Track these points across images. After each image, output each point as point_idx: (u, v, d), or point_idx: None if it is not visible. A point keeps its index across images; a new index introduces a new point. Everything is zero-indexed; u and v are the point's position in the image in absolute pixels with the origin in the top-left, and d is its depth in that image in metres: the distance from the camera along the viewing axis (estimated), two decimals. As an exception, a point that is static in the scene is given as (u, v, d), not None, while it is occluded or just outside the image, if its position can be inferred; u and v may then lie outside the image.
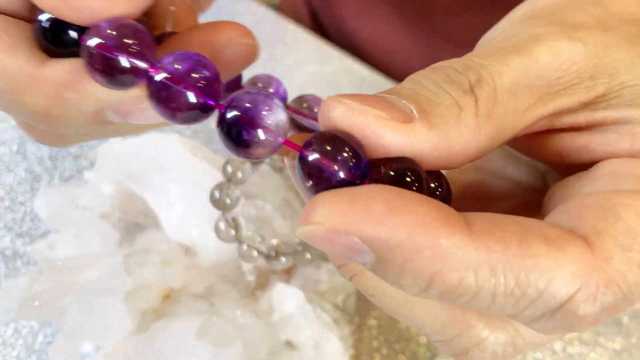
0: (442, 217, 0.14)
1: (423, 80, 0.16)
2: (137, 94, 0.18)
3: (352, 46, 0.62)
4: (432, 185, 0.17)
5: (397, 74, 0.58)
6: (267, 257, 0.34)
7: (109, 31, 0.16)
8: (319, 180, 0.15)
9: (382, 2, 0.58)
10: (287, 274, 0.37)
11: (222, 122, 0.16)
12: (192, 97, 0.16)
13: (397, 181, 0.15)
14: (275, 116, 0.16)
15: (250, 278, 0.36)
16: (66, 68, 0.17)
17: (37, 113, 0.18)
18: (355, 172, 0.15)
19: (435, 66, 0.17)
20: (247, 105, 0.16)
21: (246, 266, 0.36)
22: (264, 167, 0.35)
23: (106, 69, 0.16)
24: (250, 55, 0.19)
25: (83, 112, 0.18)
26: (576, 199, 0.16)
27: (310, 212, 0.14)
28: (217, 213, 0.34)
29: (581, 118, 0.18)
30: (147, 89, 0.16)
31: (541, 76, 0.17)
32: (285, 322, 0.33)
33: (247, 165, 0.35)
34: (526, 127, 0.18)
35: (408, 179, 0.15)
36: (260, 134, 0.16)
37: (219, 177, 0.34)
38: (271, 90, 0.24)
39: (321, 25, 0.67)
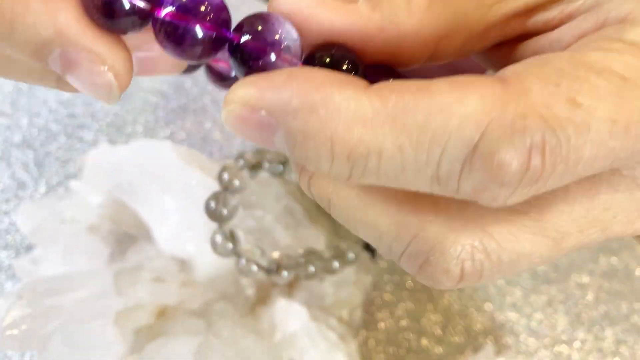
0: (339, 79, 0.13)
1: None
2: (95, 48, 0.15)
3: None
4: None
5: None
6: (268, 271, 0.31)
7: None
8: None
9: None
10: (290, 287, 0.35)
11: (235, 51, 0.15)
12: (201, 31, 0.15)
13: (331, 65, 0.15)
14: (289, 37, 0.15)
15: (250, 292, 0.34)
16: None
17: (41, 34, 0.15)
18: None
19: None
20: (259, 29, 0.15)
21: (245, 279, 0.34)
22: (263, 174, 0.33)
23: (107, 9, 0.15)
24: None
25: (34, 30, 0.15)
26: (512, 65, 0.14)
27: (228, 94, 0.14)
28: (213, 225, 0.31)
29: (554, 13, 0.16)
30: (155, 30, 0.15)
31: None
32: (288, 342, 0.30)
33: (245, 172, 0.32)
34: (496, 27, 0.16)
35: (342, 67, 0.15)
36: (273, 57, 0.15)
37: (214, 186, 0.32)
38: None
39: None
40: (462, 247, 0.14)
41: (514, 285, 0.42)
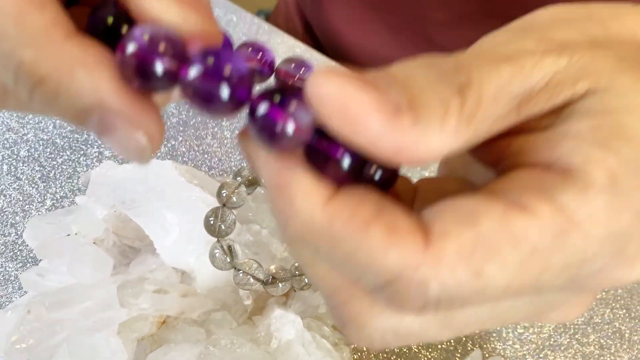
0: (309, 182, 0.16)
1: (415, 71, 0.16)
2: (133, 115, 0.17)
3: (347, 58, 0.61)
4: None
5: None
6: (264, 283, 0.33)
7: (144, 37, 0.16)
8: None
9: (376, 18, 0.57)
10: (285, 297, 0.36)
11: (252, 115, 0.16)
12: (225, 93, 0.16)
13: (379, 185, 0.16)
14: (304, 116, 0.16)
15: (247, 302, 0.35)
16: (94, 50, 0.16)
17: (29, 72, 0.16)
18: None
19: (427, 59, 0.17)
20: (278, 99, 0.16)
21: (243, 290, 0.35)
22: (259, 191, 0.34)
23: (141, 73, 0.16)
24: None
25: (78, 98, 0.16)
26: (457, 198, 0.17)
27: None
28: (212, 238, 0.33)
29: (539, 127, 0.18)
30: (182, 89, 0.16)
31: (524, 85, 0.17)
32: (284, 350, 0.32)
33: (242, 188, 0.34)
34: (497, 132, 0.17)
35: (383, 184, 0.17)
36: (289, 129, 0.15)
37: (214, 203, 0.34)
38: (259, 55, 0.24)
39: (315, 37, 0.66)
40: (376, 326, 0.17)
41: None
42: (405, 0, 0.54)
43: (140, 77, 0.16)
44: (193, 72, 0.15)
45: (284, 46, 0.55)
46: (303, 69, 0.25)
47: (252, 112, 0.16)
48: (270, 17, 0.80)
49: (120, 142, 0.17)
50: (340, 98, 0.15)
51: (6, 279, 0.40)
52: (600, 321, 0.43)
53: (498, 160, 0.19)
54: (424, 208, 0.19)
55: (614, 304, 0.43)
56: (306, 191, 0.16)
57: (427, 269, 0.15)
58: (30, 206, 0.43)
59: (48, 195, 0.43)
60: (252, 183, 0.35)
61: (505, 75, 0.16)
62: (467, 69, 0.16)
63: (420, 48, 0.57)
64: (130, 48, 0.16)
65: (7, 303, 0.39)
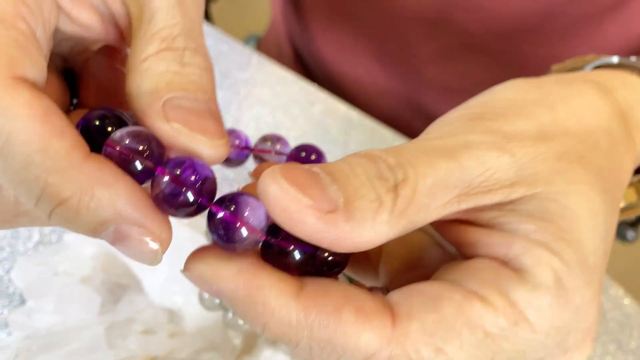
0: (278, 281, 0.17)
1: (357, 168, 0.18)
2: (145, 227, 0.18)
3: (336, 87, 0.62)
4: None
5: (382, 117, 0.58)
6: (254, 323, 0.33)
7: (127, 140, 0.18)
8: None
9: (365, 49, 0.58)
10: (275, 336, 0.36)
11: (211, 220, 0.18)
12: (190, 197, 0.18)
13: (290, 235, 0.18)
14: (257, 216, 0.18)
15: (237, 342, 0.35)
16: (108, 166, 0.18)
17: (53, 195, 0.17)
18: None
19: (372, 155, 0.19)
20: (233, 207, 0.17)
21: (232, 330, 0.35)
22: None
23: (126, 169, 0.18)
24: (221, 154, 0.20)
25: (97, 214, 0.17)
26: (422, 284, 0.19)
27: (189, 261, 0.19)
28: (201, 278, 0.33)
29: (485, 217, 0.19)
30: (153, 188, 0.18)
31: (463, 179, 0.19)
32: (273, 393, 0.32)
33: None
34: (436, 219, 0.19)
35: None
36: (244, 232, 0.17)
37: (202, 241, 0.33)
38: (278, 146, 0.26)
39: (305, 66, 0.67)
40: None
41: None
42: (392, 33, 0.55)
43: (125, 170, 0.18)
44: (163, 179, 0.17)
45: (274, 76, 0.55)
46: (279, 144, 0.26)
47: (211, 217, 0.18)
48: (261, 43, 0.80)
49: (134, 249, 0.18)
50: (282, 198, 0.16)
51: (-8, 316, 0.39)
52: (592, 356, 0.43)
53: (459, 246, 0.21)
54: (390, 260, 0.23)
55: (604, 337, 0.43)
56: (278, 290, 0.17)
57: (395, 347, 0.17)
58: (17, 241, 0.42)
59: (35, 230, 0.43)
60: (242, 221, 0.35)
61: (442, 171, 0.18)
62: (405, 166, 0.18)
63: (408, 78, 0.58)
64: (117, 148, 0.18)
65: (-8, 341, 0.38)
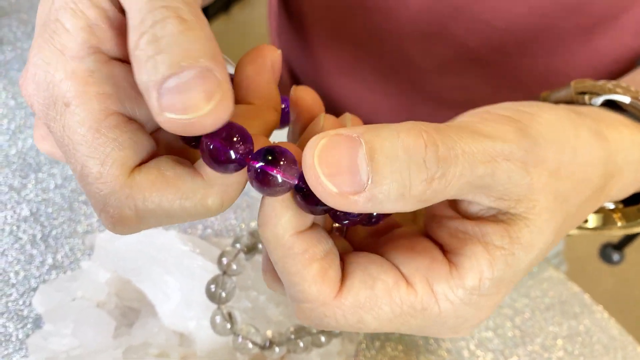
0: (289, 219, 0.22)
1: (400, 153, 0.19)
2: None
3: (333, 105, 0.63)
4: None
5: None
6: (262, 347, 0.35)
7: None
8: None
9: (363, 65, 0.59)
10: None
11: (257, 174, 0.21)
12: (280, 179, 0.20)
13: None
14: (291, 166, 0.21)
15: (245, 364, 0.37)
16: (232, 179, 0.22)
17: (214, 209, 0.22)
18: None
19: (428, 138, 0.20)
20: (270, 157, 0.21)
21: (241, 354, 0.37)
22: (257, 258, 0.36)
23: (220, 161, 0.20)
24: (277, 99, 0.25)
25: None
26: (371, 258, 0.23)
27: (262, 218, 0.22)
28: (212, 304, 0.35)
29: (472, 209, 0.23)
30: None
31: (489, 185, 0.21)
32: (280, 414, 0.33)
33: (242, 255, 0.36)
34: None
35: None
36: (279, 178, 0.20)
37: (214, 271, 0.35)
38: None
39: (299, 83, 0.68)
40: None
41: (486, 350, 0.45)
42: (391, 48, 0.56)
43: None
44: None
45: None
46: None
47: (251, 168, 0.20)
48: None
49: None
50: (312, 178, 0.19)
51: (7, 339, 0.41)
52: (578, 376, 0.45)
53: (432, 217, 0.25)
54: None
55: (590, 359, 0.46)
56: (285, 222, 0.21)
57: (329, 308, 0.22)
58: (31, 265, 0.44)
59: (49, 254, 0.45)
60: (251, 249, 0.37)
61: (479, 174, 0.21)
62: (450, 161, 0.20)
63: (407, 93, 0.59)
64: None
65: (7, 363, 0.40)
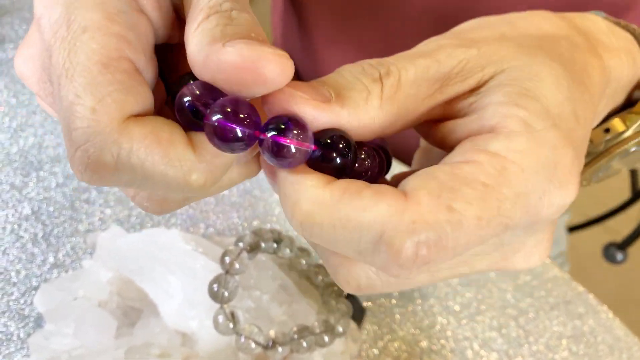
0: (314, 176, 0.20)
1: (344, 72, 0.21)
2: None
3: None
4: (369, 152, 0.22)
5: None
6: (265, 347, 0.34)
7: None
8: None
9: (371, 57, 0.59)
10: (284, 359, 0.38)
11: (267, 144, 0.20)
12: (293, 149, 0.20)
13: (331, 144, 0.20)
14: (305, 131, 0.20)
15: (247, 365, 0.37)
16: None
17: (195, 187, 0.20)
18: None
19: (357, 62, 0.22)
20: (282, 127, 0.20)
21: (244, 353, 0.36)
22: (260, 257, 0.36)
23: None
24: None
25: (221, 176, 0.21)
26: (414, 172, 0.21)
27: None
28: (214, 304, 0.34)
29: (465, 106, 0.22)
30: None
31: (441, 71, 0.22)
32: (283, 414, 0.33)
33: (244, 255, 0.36)
34: (426, 113, 0.23)
35: (341, 145, 0.21)
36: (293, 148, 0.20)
37: (217, 270, 0.35)
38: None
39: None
40: (359, 276, 0.22)
41: (490, 351, 0.45)
42: (394, 49, 0.56)
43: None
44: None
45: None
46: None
47: (262, 142, 0.20)
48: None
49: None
50: (282, 97, 0.20)
51: (8, 338, 0.40)
52: None
53: (444, 142, 0.23)
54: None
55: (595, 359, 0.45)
56: (313, 177, 0.20)
57: (410, 213, 0.18)
58: (32, 264, 0.44)
59: (50, 253, 0.44)
60: (254, 248, 0.37)
61: (421, 66, 0.21)
62: (386, 63, 0.21)
63: None
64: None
65: (8, 363, 0.40)
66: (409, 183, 0.20)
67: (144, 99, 0.20)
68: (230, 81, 0.19)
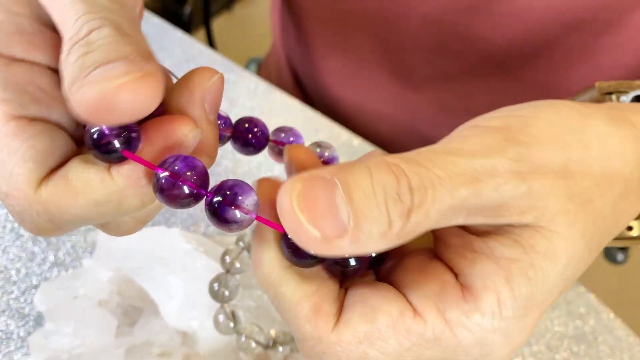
0: (275, 252, 0.21)
1: (377, 188, 0.18)
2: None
3: (334, 112, 0.63)
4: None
5: (381, 141, 0.60)
6: (265, 347, 0.34)
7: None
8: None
9: (365, 74, 0.59)
10: (285, 359, 0.38)
11: (209, 205, 0.20)
12: (187, 189, 0.19)
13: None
14: (249, 199, 0.20)
15: (248, 364, 0.37)
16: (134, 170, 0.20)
17: (135, 208, 0.20)
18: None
19: (397, 172, 0.19)
20: (227, 192, 0.20)
21: (244, 353, 0.36)
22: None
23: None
24: (211, 143, 0.22)
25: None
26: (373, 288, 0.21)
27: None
28: (215, 303, 0.34)
29: (479, 228, 0.21)
30: (155, 183, 0.20)
31: (477, 204, 0.19)
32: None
33: (245, 254, 0.36)
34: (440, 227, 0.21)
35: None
36: (237, 214, 0.20)
37: (218, 269, 0.35)
38: (292, 139, 0.27)
39: (303, 90, 0.68)
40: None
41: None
42: (393, 57, 0.56)
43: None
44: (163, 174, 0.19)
45: (281, 104, 0.57)
46: (292, 137, 0.28)
47: (209, 204, 0.20)
48: (261, 66, 0.82)
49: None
50: (293, 224, 0.18)
51: (8, 337, 0.40)
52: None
53: (439, 240, 0.22)
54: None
55: (597, 361, 0.45)
56: (269, 260, 0.21)
57: (327, 345, 0.20)
58: (32, 263, 0.44)
59: (50, 252, 0.44)
60: (254, 248, 0.36)
61: (461, 198, 0.19)
62: (425, 189, 0.19)
63: (407, 101, 0.59)
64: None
65: (8, 362, 0.39)
66: (348, 309, 0.21)
67: (53, 148, 0.20)
68: (97, 118, 0.19)
